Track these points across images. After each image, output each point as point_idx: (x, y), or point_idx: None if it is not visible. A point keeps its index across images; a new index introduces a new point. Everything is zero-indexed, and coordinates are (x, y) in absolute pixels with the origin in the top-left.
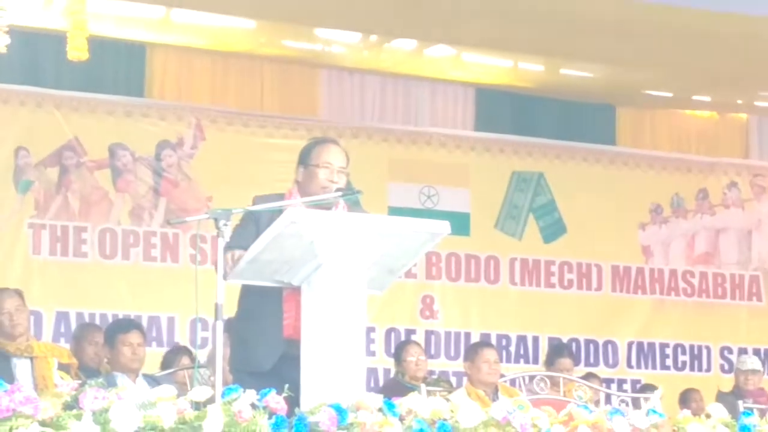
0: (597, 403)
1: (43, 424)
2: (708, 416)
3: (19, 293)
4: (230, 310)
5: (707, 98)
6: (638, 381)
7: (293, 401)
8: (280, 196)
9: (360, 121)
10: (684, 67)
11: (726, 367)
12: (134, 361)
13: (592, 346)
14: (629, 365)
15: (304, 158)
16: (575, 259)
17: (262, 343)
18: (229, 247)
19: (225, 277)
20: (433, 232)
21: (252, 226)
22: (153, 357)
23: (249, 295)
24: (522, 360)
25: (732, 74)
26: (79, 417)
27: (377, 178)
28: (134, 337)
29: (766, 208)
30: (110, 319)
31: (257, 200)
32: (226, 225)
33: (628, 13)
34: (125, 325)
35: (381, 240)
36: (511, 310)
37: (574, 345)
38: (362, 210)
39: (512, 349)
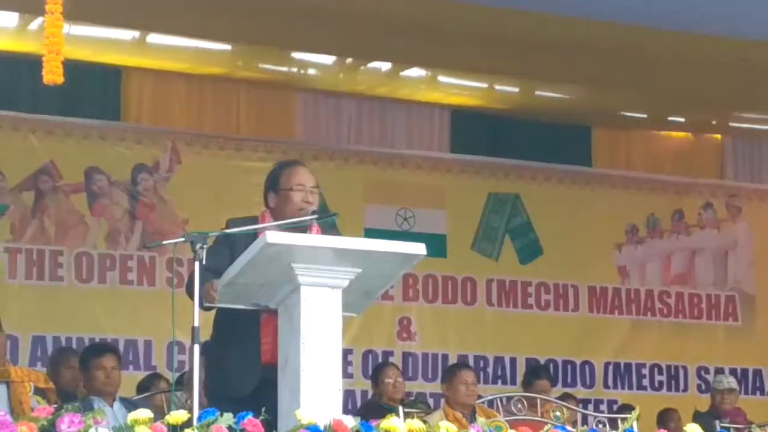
0: (574, 423)
1: None
2: None
3: None
4: (207, 333)
5: (682, 119)
6: (615, 401)
7: (271, 425)
8: (255, 219)
9: (336, 144)
10: (659, 88)
11: (703, 387)
12: (108, 384)
13: (569, 367)
14: (606, 386)
15: (273, 184)
16: (552, 279)
17: (241, 368)
18: (203, 270)
19: (201, 305)
20: (409, 254)
21: (226, 249)
22: (130, 380)
23: (225, 318)
24: (499, 381)
25: (707, 95)
26: None
27: (353, 200)
28: (108, 360)
29: (741, 229)
30: (87, 343)
31: (231, 223)
32: (202, 248)
33: (603, 35)
34: (99, 349)
35: (358, 262)
36: (488, 331)
37: (551, 366)
38: (338, 232)
39: (490, 370)
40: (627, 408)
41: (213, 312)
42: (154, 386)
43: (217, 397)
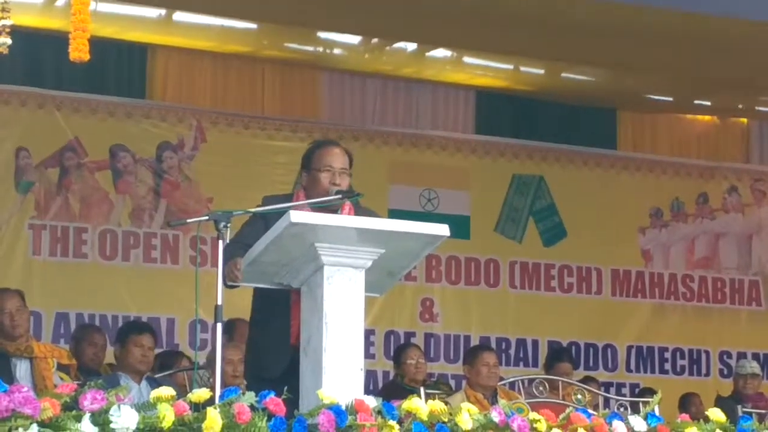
0: (596, 407)
1: (42, 424)
2: (707, 420)
3: (20, 294)
4: (230, 312)
5: (708, 103)
6: (637, 385)
7: (293, 404)
8: (289, 197)
9: (361, 124)
10: (685, 71)
11: (725, 371)
12: (143, 363)
13: (591, 350)
14: (628, 369)
15: (306, 163)
16: (575, 262)
17: (271, 350)
18: (234, 242)
19: (225, 282)
20: (433, 235)
21: (261, 224)
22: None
23: (260, 299)
24: (521, 363)
25: (733, 79)
26: (78, 418)
27: (378, 180)
28: (146, 339)
29: (766, 213)
30: (110, 320)
31: (266, 201)
32: (226, 227)
33: (629, 18)
34: (140, 326)
35: (381, 243)
36: (510, 313)
37: (573, 348)
38: (369, 212)
39: (511, 352)
40: (648, 392)
41: (242, 291)
42: (175, 364)
43: (253, 378)
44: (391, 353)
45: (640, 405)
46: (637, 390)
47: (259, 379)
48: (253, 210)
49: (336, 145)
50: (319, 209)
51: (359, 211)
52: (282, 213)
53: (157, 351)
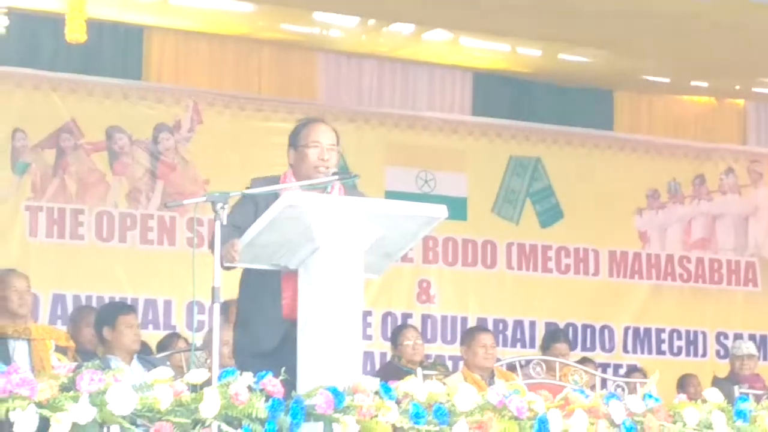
0: (593, 387)
1: (40, 405)
2: (704, 401)
3: (26, 277)
4: (227, 293)
5: (705, 84)
6: (635, 366)
7: (290, 384)
8: (277, 179)
9: (357, 105)
10: (682, 52)
11: (722, 352)
12: (135, 342)
13: (588, 331)
14: (625, 350)
15: (293, 140)
16: (572, 244)
17: (263, 324)
18: (228, 225)
19: (222, 264)
20: (430, 216)
21: (251, 206)
22: (150, 339)
23: (249, 275)
24: (518, 344)
25: (730, 60)
26: (75, 399)
27: (374, 162)
28: (133, 318)
29: (762, 194)
30: (107, 302)
31: (255, 182)
32: (223, 208)
33: None
34: (124, 307)
35: (378, 224)
36: (507, 294)
37: (570, 330)
38: (359, 193)
39: (509, 333)
40: (635, 369)
41: (236, 271)
42: (173, 346)
43: (243, 354)
44: (389, 334)
45: (637, 386)
46: (620, 370)
47: (251, 353)
48: (249, 191)
49: (323, 122)
50: (310, 190)
51: (351, 192)
52: (276, 194)
53: (156, 333)
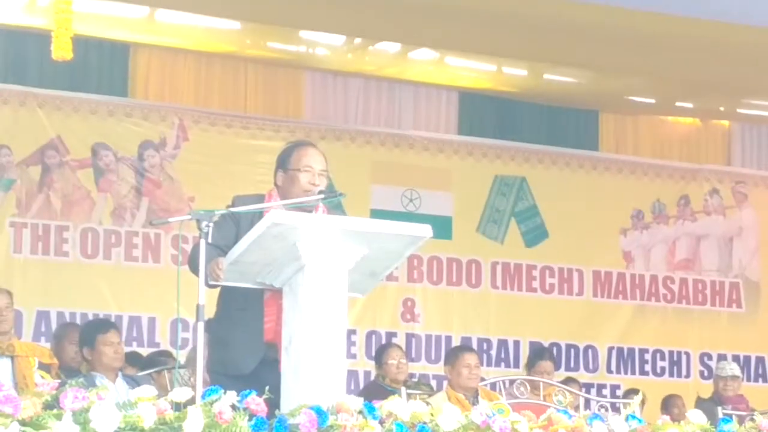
0: (577, 407)
1: (23, 423)
2: (687, 422)
3: (8, 293)
4: (211, 311)
5: (690, 105)
6: (617, 386)
7: (273, 403)
8: (261, 198)
9: (343, 124)
10: (667, 73)
11: (705, 373)
12: (116, 360)
13: (572, 351)
14: (609, 370)
15: (283, 163)
16: (557, 263)
17: (243, 346)
18: (210, 246)
19: (207, 282)
20: (415, 236)
21: (231, 225)
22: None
23: (229, 296)
24: (503, 364)
25: (715, 81)
26: (59, 416)
27: (360, 180)
28: (113, 336)
29: (747, 215)
30: (89, 320)
31: (237, 200)
32: (208, 226)
33: (611, 20)
34: (104, 325)
35: (363, 243)
36: (492, 314)
37: (554, 349)
38: (343, 212)
39: (493, 352)
40: (633, 392)
41: (217, 289)
42: (161, 363)
43: (219, 374)
44: (373, 353)
45: (621, 406)
46: (617, 391)
47: (226, 376)
48: (233, 209)
49: (314, 146)
50: (295, 209)
51: (334, 212)
52: (257, 214)
53: (140, 350)
